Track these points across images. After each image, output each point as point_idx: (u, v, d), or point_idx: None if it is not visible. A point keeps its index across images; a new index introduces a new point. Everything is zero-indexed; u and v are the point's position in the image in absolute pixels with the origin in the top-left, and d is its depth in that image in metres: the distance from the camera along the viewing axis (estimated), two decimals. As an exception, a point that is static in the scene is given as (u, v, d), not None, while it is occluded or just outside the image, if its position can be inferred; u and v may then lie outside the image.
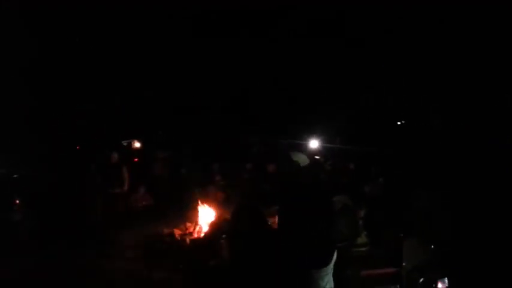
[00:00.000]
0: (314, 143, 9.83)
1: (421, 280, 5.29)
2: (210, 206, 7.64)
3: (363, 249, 6.20)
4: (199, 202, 7.77)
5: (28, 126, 10.87)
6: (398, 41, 11.92)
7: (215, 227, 6.81)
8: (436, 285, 5.21)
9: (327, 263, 4.72)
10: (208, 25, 12.95)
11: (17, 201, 7.95)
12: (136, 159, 11.96)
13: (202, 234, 7.06)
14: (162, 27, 12.63)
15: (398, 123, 12.33)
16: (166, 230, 7.46)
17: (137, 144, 13.66)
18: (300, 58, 13.13)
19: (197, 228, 7.30)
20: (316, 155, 9.44)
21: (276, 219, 5.49)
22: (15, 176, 9.09)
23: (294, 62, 13.22)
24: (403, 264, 5.35)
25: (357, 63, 12.69)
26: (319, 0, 11.52)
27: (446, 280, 5.24)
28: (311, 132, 10.26)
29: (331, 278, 4.74)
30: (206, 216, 7.42)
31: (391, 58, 12.45)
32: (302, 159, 6.79)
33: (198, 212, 7.65)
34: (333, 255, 4.90)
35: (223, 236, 6.12)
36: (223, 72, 13.97)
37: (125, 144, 13.66)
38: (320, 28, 12.49)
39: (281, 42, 12.98)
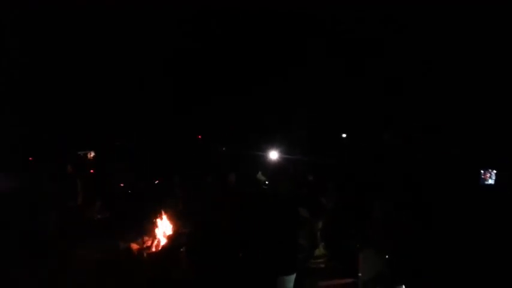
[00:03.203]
0: (274, 154, 9.90)
1: (376, 290, 5.43)
2: (169, 219, 7.52)
3: (321, 260, 6.31)
4: (159, 215, 7.64)
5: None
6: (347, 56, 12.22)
7: (173, 240, 6.72)
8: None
9: (295, 270, 4.82)
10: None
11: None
12: (92, 171, 11.60)
13: (159, 248, 6.93)
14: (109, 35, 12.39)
15: (344, 135, 12.66)
16: (123, 244, 7.26)
17: (92, 155, 13.26)
18: (261, 71, 13.25)
19: (155, 242, 7.15)
20: (277, 167, 9.53)
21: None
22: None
23: (256, 74, 13.32)
24: (359, 274, 5.47)
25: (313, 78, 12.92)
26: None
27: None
28: (270, 144, 10.34)
29: None
30: (165, 229, 7.30)
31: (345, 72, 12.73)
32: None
33: (156, 225, 7.52)
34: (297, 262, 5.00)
35: (182, 249, 6.05)
36: (182, 82, 13.88)
37: (81, 155, 13.23)
38: (273, 46, 12.67)
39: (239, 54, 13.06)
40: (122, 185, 10.18)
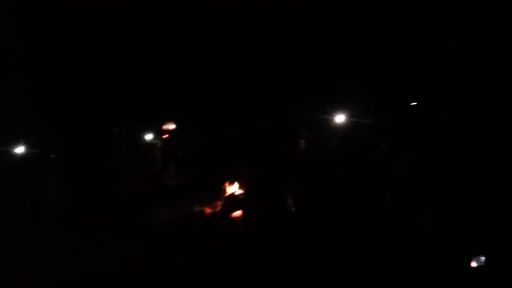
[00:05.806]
0: (341, 118, 9.49)
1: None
2: (240, 184, 7.68)
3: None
4: (231, 181, 7.81)
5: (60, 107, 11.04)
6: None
7: (230, 200, 6.85)
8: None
9: None
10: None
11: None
12: (165, 136, 12.07)
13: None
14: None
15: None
16: (197, 208, 7.56)
17: (171, 126, 13.78)
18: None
19: (225, 206, 7.36)
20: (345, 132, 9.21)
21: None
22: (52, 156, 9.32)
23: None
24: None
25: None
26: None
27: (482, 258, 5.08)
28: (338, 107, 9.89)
29: None
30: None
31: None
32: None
33: (228, 190, 7.72)
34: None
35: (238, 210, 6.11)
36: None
37: (160, 125, 13.80)
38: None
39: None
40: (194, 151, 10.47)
